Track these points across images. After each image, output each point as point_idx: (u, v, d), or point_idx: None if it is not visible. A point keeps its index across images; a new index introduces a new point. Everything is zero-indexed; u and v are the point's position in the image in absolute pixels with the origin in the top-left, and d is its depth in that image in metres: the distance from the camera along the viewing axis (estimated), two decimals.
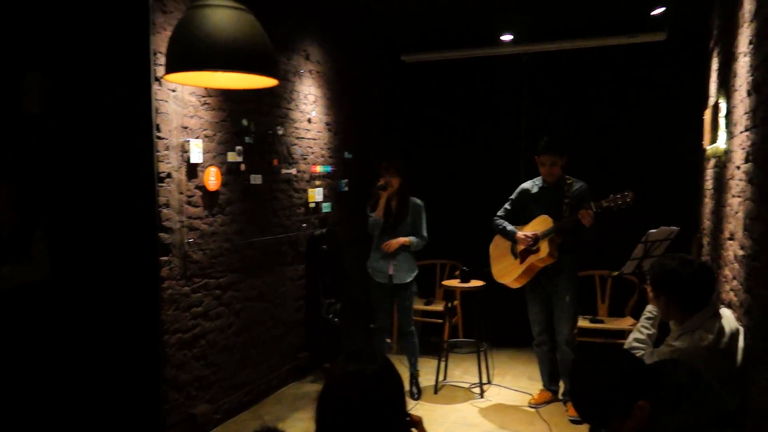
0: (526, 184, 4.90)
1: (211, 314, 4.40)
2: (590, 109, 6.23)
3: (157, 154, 3.86)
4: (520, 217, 4.89)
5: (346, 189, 6.23)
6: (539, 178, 4.85)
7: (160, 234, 3.90)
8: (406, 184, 4.96)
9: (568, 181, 4.71)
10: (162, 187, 3.91)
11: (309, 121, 5.61)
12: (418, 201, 5.05)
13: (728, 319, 2.76)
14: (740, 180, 3.09)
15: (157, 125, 3.86)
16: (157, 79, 3.85)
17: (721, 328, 2.67)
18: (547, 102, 6.37)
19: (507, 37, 6.16)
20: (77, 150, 3.92)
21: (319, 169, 5.76)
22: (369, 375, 1.72)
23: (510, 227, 4.81)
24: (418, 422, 1.87)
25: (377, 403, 1.71)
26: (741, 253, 2.97)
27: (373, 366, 1.75)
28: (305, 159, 5.56)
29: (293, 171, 5.37)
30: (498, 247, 5.02)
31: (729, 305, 3.26)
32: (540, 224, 4.69)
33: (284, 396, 5.15)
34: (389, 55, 6.76)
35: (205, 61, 2.77)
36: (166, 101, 3.94)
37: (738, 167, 3.18)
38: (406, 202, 4.97)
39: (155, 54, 3.83)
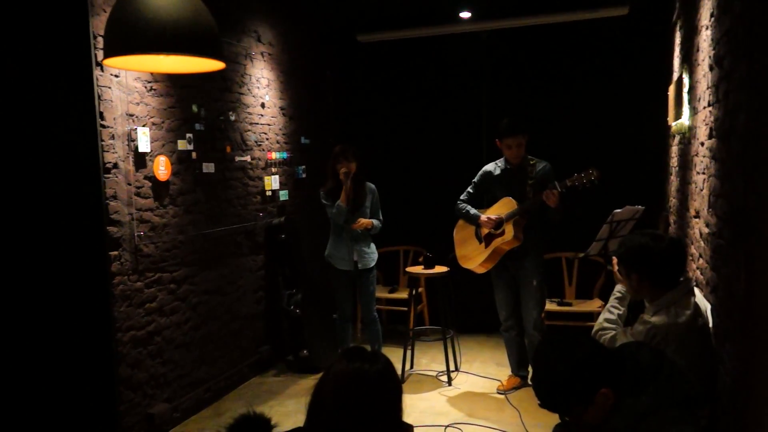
0: (489, 167, 4.82)
1: (165, 309, 4.28)
2: (552, 86, 6.15)
3: (102, 143, 3.73)
4: (483, 200, 4.83)
5: (304, 176, 6.12)
6: (501, 159, 4.77)
7: (108, 227, 3.78)
8: (362, 168, 4.94)
9: (531, 162, 4.65)
10: (108, 178, 3.77)
11: (263, 105, 5.47)
12: (372, 185, 5.04)
13: (699, 297, 2.75)
14: (704, 156, 3.08)
15: (101, 113, 3.72)
16: (99, 64, 3.70)
17: (697, 306, 2.64)
18: (508, 80, 6.28)
19: (465, 14, 6.08)
20: (15, 142, 3.77)
21: (274, 155, 5.64)
22: (373, 375, 1.71)
23: (473, 211, 4.75)
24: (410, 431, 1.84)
25: (377, 404, 1.71)
26: (706, 230, 2.97)
27: (377, 366, 1.74)
28: (260, 145, 5.43)
29: (247, 158, 5.25)
30: (462, 231, 4.94)
31: (696, 284, 3.24)
32: (504, 206, 4.61)
33: (246, 391, 5.05)
34: (344, 35, 6.62)
35: (145, 43, 2.67)
36: (109, 87, 3.80)
37: (702, 143, 3.16)
38: (363, 187, 4.97)
39: (95, 37, 3.68)
